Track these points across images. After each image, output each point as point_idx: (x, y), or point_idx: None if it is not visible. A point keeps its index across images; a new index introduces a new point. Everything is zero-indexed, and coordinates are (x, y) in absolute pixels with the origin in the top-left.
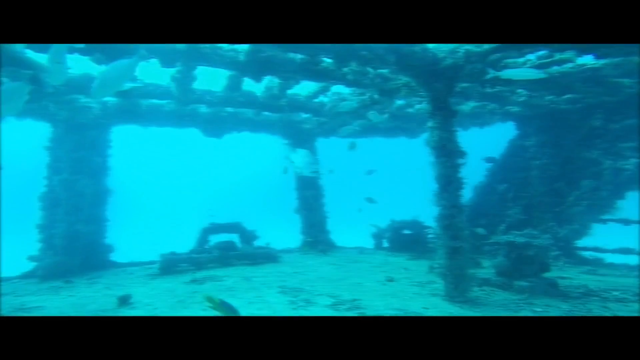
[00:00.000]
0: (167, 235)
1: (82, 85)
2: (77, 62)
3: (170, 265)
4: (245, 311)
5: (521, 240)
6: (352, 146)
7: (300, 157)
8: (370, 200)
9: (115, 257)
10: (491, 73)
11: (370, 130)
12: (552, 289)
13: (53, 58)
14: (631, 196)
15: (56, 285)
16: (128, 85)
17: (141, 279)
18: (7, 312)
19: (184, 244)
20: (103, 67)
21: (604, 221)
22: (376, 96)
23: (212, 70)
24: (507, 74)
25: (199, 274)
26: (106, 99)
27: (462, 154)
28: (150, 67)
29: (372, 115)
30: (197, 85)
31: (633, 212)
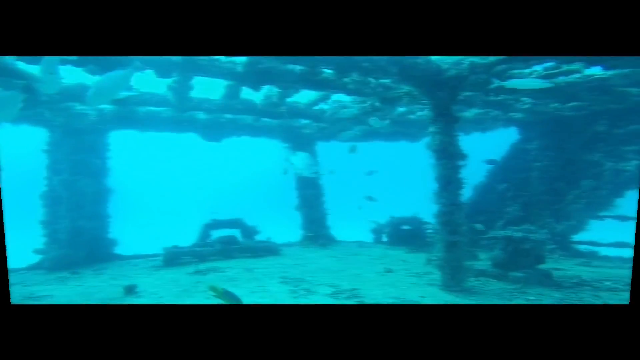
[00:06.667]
0: (170, 231)
1: (76, 93)
2: (70, 72)
3: (173, 258)
4: (247, 300)
5: (518, 234)
6: (353, 149)
7: (300, 159)
8: (370, 198)
9: (119, 250)
10: (496, 83)
11: (371, 134)
12: (546, 279)
13: (45, 69)
14: (630, 195)
15: (63, 276)
16: (123, 94)
17: (145, 270)
18: (17, 300)
19: (186, 238)
20: (98, 77)
21: (601, 217)
22: (377, 104)
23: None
24: (512, 83)
25: (202, 266)
26: (102, 106)
27: (462, 156)
28: (146, 76)
29: (374, 121)
30: (194, 93)
31: (630, 209)
